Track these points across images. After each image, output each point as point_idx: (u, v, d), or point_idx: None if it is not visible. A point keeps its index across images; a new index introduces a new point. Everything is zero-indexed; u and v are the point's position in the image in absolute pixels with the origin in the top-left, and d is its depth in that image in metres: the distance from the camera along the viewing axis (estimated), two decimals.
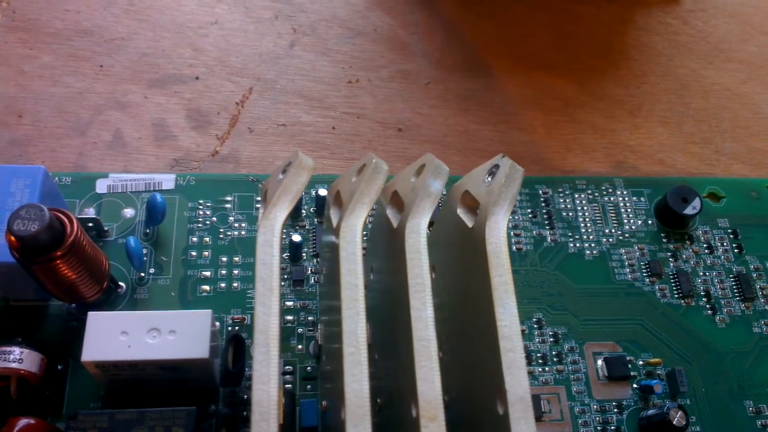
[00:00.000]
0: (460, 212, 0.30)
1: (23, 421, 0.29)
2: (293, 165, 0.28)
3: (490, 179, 0.28)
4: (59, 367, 0.34)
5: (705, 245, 0.42)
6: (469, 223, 0.28)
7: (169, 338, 0.31)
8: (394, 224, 0.29)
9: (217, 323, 0.36)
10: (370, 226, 0.38)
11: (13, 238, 0.30)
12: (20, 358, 0.31)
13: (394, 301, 0.28)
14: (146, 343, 0.31)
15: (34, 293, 0.35)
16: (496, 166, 0.29)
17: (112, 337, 0.31)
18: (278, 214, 0.26)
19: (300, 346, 0.36)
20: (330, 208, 0.31)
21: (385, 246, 0.31)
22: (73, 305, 0.36)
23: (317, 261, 0.39)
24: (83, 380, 0.33)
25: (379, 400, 0.31)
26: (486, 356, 0.26)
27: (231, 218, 0.40)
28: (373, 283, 0.34)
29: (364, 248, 0.29)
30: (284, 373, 0.36)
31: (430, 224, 0.30)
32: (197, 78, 0.45)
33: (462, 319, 0.30)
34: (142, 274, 0.37)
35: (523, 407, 0.23)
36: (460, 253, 0.31)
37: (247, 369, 0.34)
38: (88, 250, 0.32)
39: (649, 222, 0.42)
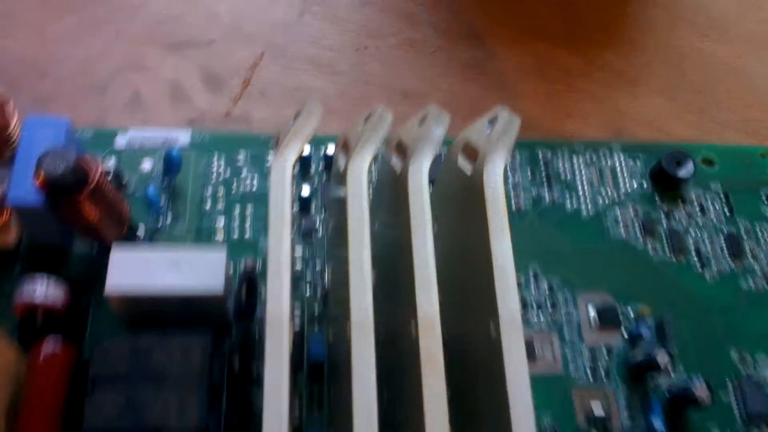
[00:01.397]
0: (461, 162, 0.31)
1: (50, 343, 0.32)
2: (303, 111, 0.30)
3: (489, 129, 0.30)
4: (83, 303, 0.36)
5: (697, 207, 0.43)
6: (469, 172, 0.30)
7: (188, 274, 0.33)
8: (398, 171, 0.31)
9: (231, 266, 0.38)
10: (374, 183, 0.40)
11: (41, 177, 0.32)
12: (46, 290, 0.34)
13: (398, 250, 0.30)
14: (166, 279, 0.33)
15: (59, 237, 0.37)
16: (495, 117, 0.30)
17: (134, 271, 0.33)
18: (289, 154, 0.28)
19: (308, 294, 0.38)
20: (339, 156, 0.33)
21: (389, 198, 0.33)
22: (96, 250, 0.38)
23: (325, 212, 0.41)
24: (105, 315, 0.36)
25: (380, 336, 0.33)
26: (481, 290, 0.28)
27: (243, 174, 0.42)
28: (378, 236, 0.36)
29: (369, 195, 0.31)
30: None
31: (431, 182, 0.31)
32: (211, 43, 0.47)
33: (460, 273, 0.32)
34: (159, 224, 0.39)
35: (514, 328, 0.25)
36: (459, 208, 0.32)
37: (259, 309, 0.36)
38: (111, 194, 0.34)
39: (644, 185, 0.44)
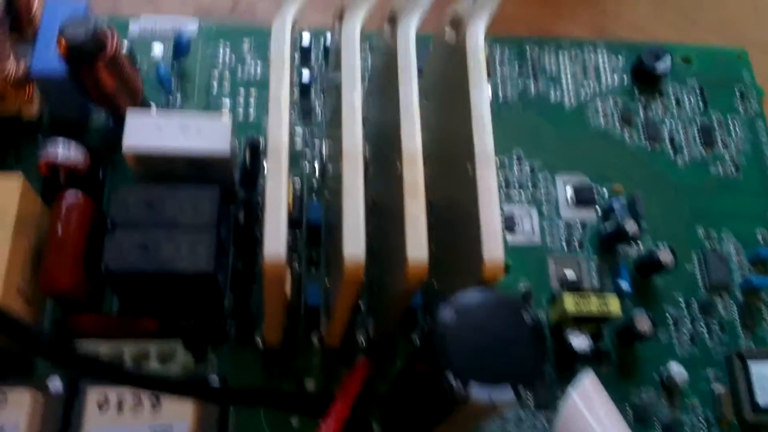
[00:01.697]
0: (448, 34, 0.34)
1: (72, 192, 0.35)
2: None
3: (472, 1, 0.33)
4: (100, 170, 0.39)
5: (674, 100, 0.46)
6: (453, 41, 0.33)
7: (196, 137, 0.36)
8: (389, 39, 0.34)
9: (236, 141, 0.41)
10: (369, 74, 0.43)
11: (64, 43, 0.35)
12: (68, 151, 0.37)
13: (387, 117, 0.33)
14: (177, 139, 0.36)
15: (79, 109, 0.40)
16: None
17: (148, 132, 0.36)
18: (288, 10, 0.31)
19: (307, 170, 0.42)
20: (335, 28, 0.36)
21: (381, 76, 0.36)
22: (111, 124, 0.41)
23: (324, 98, 0.44)
24: (122, 178, 0.39)
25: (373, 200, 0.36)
26: (461, 138, 0.31)
27: (248, 62, 0.44)
28: (372, 123, 0.39)
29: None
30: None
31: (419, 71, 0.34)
32: None
33: (446, 144, 0.35)
34: (170, 99, 0.42)
35: (487, 160, 0.28)
36: (445, 83, 0.35)
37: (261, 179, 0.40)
38: (126, 65, 0.37)
39: (625, 79, 0.47)
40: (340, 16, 0.35)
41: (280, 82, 0.28)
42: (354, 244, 0.26)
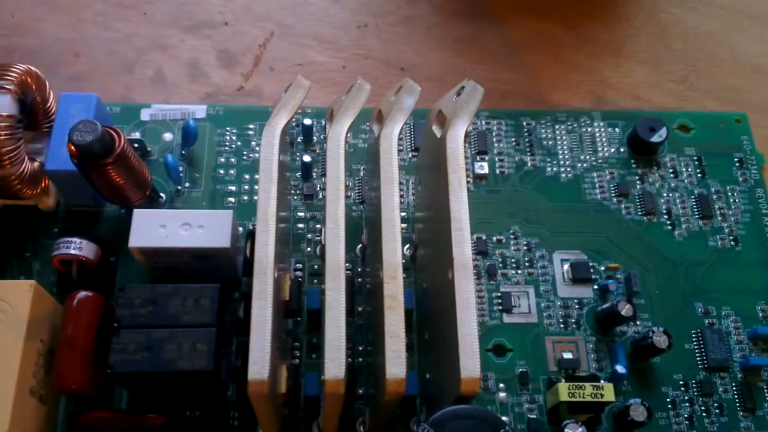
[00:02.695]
0: (434, 127, 0.36)
1: (82, 294, 0.37)
2: (292, 85, 0.34)
3: (456, 98, 0.34)
4: (111, 258, 0.41)
5: (671, 170, 0.47)
6: (438, 135, 0.34)
7: (198, 231, 0.38)
8: (375, 135, 0.35)
9: (240, 228, 0.43)
10: (368, 152, 0.44)
11: (72, 146, 0.37)
12: (80, 246, 0.39)
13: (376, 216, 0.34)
14: (180, 235, 0.38)
15: (91, 200, 0.42)
16: (462, 88, 0.34)
17: (153, 228, 0.38)
18: (278, 122, 0.33)
19: (309, 249, 0.43)
20: (328, 126, 0.38)
21: (372, 162, 0.37)
22: (123, 211, 0.43)
23: (324, 179, 0.45)
24: (131, 270, 0.41)
25: (368, 285, 0.37)
26: (442, 243, 0.32)
27: (253, 143, 0.46)
28: (372, 200, 0.40)
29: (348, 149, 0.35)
30: (295, 270, 0.43)
31: (416, 149, 0.35)
32: (226, 23, 0.52)
33: (434, 234, 0.36)
34: (179, 187, 0.44)
35: (465, 271, 0.29)
36: (433, 172, 0.36)
37: None
38: (134, 161, 0.39)
39: (621, 150, 0.47)
40: (330, 117, 0.37)
41: (268, 199, 0.30)
42: (334, 364, 0.27)
